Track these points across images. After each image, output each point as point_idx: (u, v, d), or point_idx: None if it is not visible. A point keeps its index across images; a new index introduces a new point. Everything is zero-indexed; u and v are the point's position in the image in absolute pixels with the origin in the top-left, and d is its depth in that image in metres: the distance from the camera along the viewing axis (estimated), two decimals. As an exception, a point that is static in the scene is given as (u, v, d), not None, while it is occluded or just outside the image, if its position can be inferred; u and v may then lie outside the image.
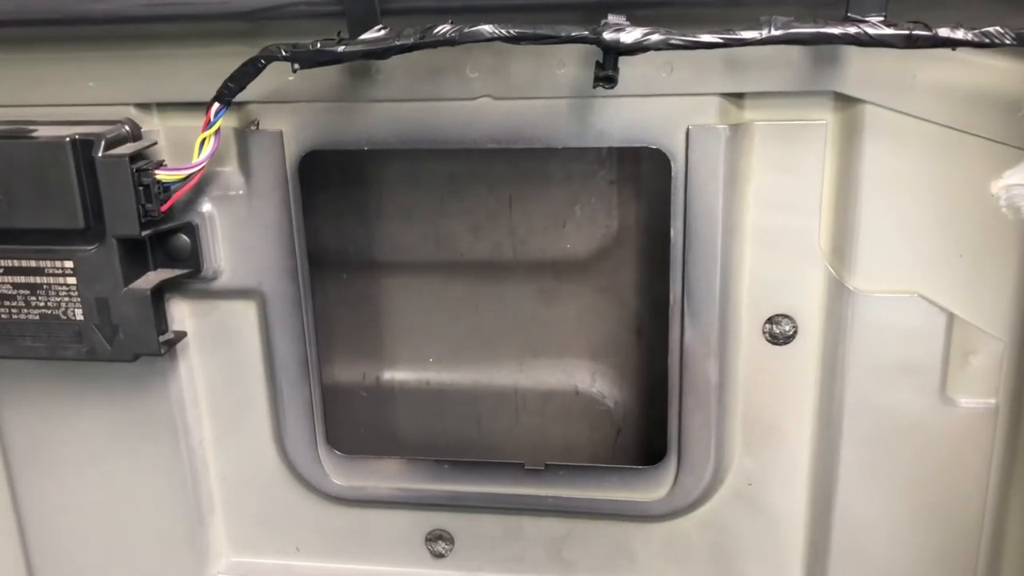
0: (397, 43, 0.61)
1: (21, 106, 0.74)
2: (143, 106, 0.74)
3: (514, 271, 0.83)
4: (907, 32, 0.57)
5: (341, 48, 0.62)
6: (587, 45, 0.60)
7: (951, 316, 0.69)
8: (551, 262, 0.81)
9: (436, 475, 0.82)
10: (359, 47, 0.62)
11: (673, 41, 0.58)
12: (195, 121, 0.70)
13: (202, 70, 0.70)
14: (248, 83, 0.66)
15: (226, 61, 0.66)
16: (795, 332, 0.73)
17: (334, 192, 0.71)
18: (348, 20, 0.62)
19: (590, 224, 0.81)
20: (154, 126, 0.74)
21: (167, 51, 0.72)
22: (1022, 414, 0.70)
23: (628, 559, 0.82)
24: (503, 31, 0.60)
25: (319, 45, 0.62)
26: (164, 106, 0.74)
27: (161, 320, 0.76)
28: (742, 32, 0.58)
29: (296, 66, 0.63)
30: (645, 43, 0.58)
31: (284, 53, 0.63)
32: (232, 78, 0.65)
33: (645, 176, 0.77)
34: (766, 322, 0.73)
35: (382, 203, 0.81)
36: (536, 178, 0.79)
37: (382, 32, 0.62)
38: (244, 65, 0.65)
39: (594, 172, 0.78)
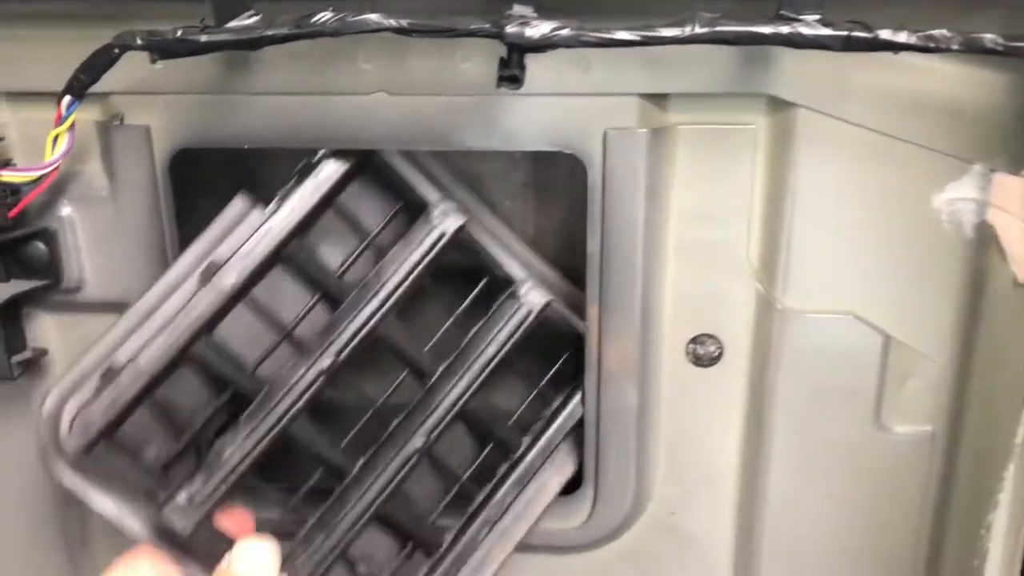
0: (269, 33, 0.53)
1: None
2: None
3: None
4: (845, 34, 0.51)
5: (204, 37, 0.54)
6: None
7: (887, 338, 0.64)
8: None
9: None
10: (225, 36, 0.54)
11: (585, 38, 0.51)
12: (51, 113, 0.61)
13: (59, 56, 0.61)
14: (102, 74, 0.57)
15: (86, 46, 0.57)
16: (720, 353, 0.67)
17: (213, 193, 0.64)
18: (213, 5, 0.54)
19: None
20: (4, 119, 0.66)
21: (19, 33, 0.63)
22: (960, 441, 0.65)
23: (543, 591, 0.76)
24: (392, 22, 0.52)
25: (180, 33, 0.54)
26: (15, 95, 0.65)
27: (16, 338, 0.68)
28: (663, 29, 0.51)
29: (155, 57, 0.55)
30: (553, 39, 0.51)
31: (140, 41, 0.54)
32: (83, 68, 0.57)
33: (562, 179, 0.70)
34: (690, 342, 0.68)
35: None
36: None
37: (253, 19, 0.54)
38: (96, 54, 0.56)
39: (505, 173, 0.71)
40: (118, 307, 0.68)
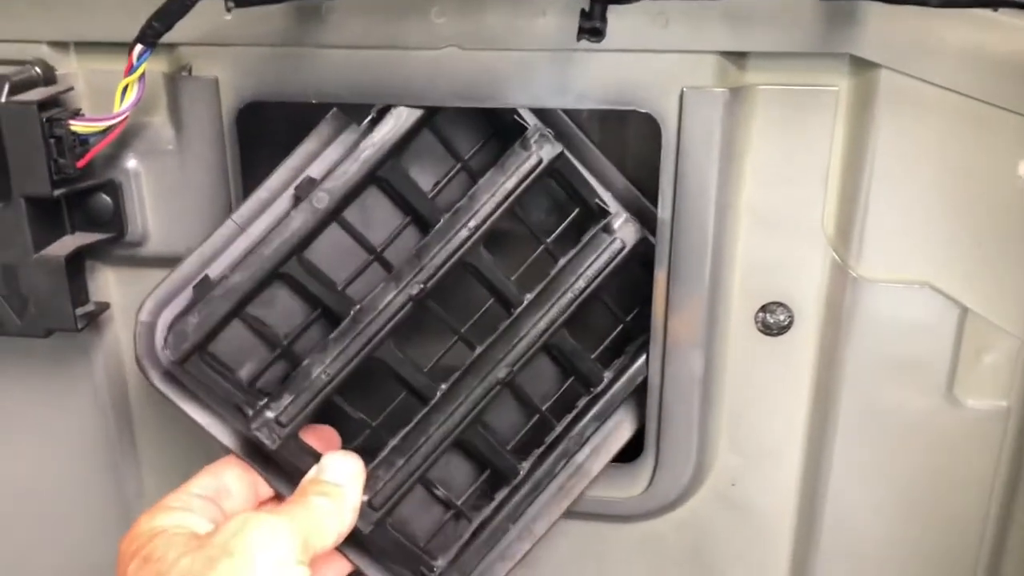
0: (349, -20, 0.52)
1: (-85, 40, 0.64)
2: (58, 44, 0.65)
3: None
4: (944, -13, 0.49)
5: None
6: (572, -10, 0.51)
7: (964, 310, 0.62)
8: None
9: None
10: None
11: (672, -12, 0.50)
12: (119, 64, 0.60)
13: (128, 5, 0.61)
14: (175, 22, 0.56)
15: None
16: (790, 322, 0.66)
17: (278, 147, 0.63)
18: (292, -48, 0.53)
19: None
20: (71, 68, 0.65)
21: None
22: (1035, 418, 0.64)
23: (596, 561, 0.75)
24: (473, -29, 0.51)
25: (253, -21, 0.53)
26: (83, 45, 0.65)
27: (79, 290, 0.67)
28: (752, -20, 0.50)
29: (231, 4, 0.54)
30: (639, -10, 0.50)
31: (216, -12, 0.54)
32: (157, 16, 0.56)
33: (633, 138, 0.69)
34: (759, 310, 0.66)
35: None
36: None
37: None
38: (170, 1, 0.55)
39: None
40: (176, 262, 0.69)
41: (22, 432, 0.76)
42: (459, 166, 0.66)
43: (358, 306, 0.63)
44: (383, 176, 0.63)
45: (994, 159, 0.59)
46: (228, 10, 0.55)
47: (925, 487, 0.67)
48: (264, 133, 0.66)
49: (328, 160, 0.62)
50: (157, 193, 0.67)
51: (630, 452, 0.71)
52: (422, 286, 0.63)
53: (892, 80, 0.58)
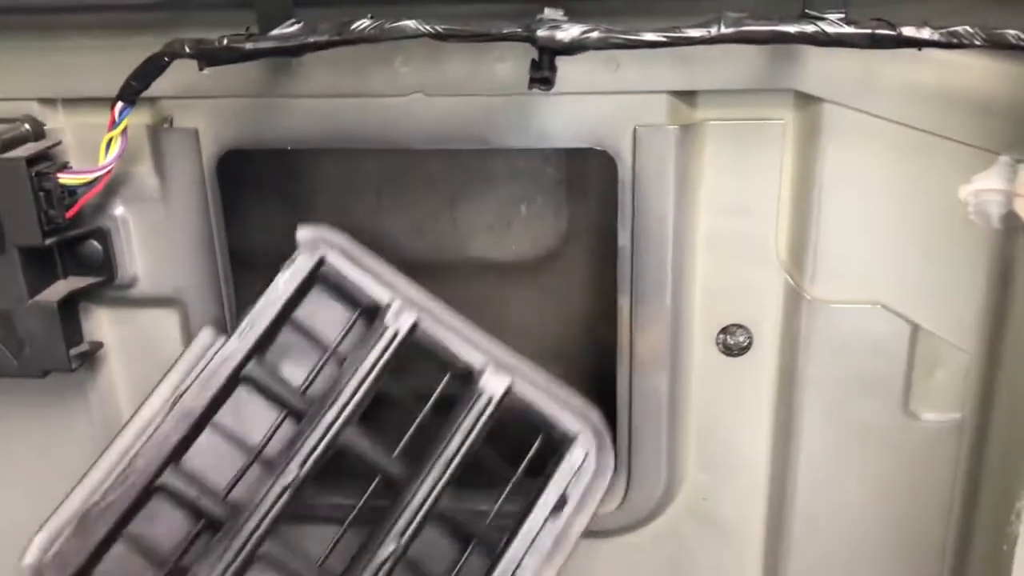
0: (311, 40, 0.55)
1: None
2: (47, 101, 0.68)
3: (458, 272, 0.78)
4: (869, 32, 0.52)
5: (249, 45, 0.56)
6: (525, 41, 0.54)
7: (915, 327, 0.65)
8: (496, 263, 0.76)
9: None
10: (269, 44, 0.56)
11: (614, 40, 0.53)
12: (104, 118, 0.64)
13: (112, 63, 0.64)
14: (153, 81, 0.60)
15: (138, 54, 0.60)
16: (750, 343, 0.69)
17: (261, 191, 0.66)
18: (258, 14, 0.57)
19: (537, 224, 0.76)
20: (59, 123, 0.69)
21: (73, 42, 0.66)
22: (988, 428, 0.66)
23: (581, 573, 0.78)
24: (428, 28, 0.54)
25: (226, 41, 0.56)
26: (70, 102, 0.68)
27: (73, 332, 0.71)
28: (689, 30, 0.53)
29: (203, 64, 0.58)
30: (583, 42, 0.53)
31: (188, 50, 0.57)
32: (135, 76, 0.60)
33: (594, 174, 0.72)
34: (720, 332, 0.69)
35: (315, 201, 0.76)
36: (479, 175, 0.74)
37: (295, 27, 0.56)
38: (147, 62, 0.59)
39: (540, 169, 0.73)
40: (169, 302, 0.72)
41: (21, 467, 0.79)
42: (327, 355, 0.68)
43: (238, 505, 0.64)
44: (251, 375, 0.65)
45: (936, 184, 0.61)
46: (201, 69, 0.58)
47: (888, 496, 0.70)
48: (248, 176, 0.69)
49: (199, 370, 0.64)
50: (144, 238, 0.70)
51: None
52: (296, 473, 0.64)
53: (835, 112, 0.61)
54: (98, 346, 0.73)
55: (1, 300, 0.67)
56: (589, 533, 0.75)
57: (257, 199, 0.66)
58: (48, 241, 0.65)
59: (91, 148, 0.67)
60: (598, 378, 0.74)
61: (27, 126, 0.67)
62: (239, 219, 0.68)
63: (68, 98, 0.68)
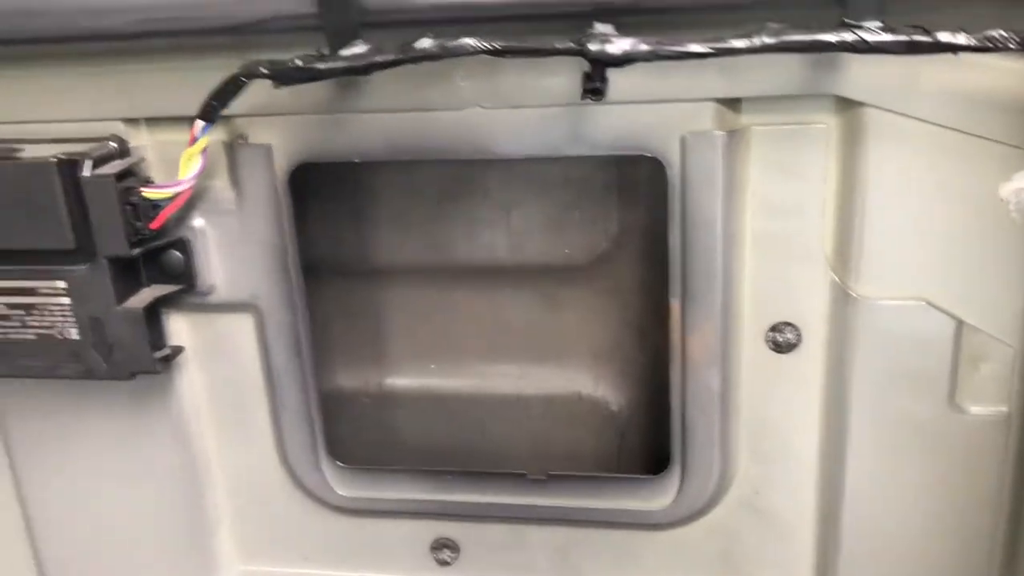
0: (378, 59, 0.59)
1: (9, 122, 0.73)
2: (131, 121, 0.73)
3: (514, 276, 0.82)
4: (907, 38, 0.55)
5: (321, 66, 0.60)
6: (577, 55, 0.58)
7: (960, 323, 0.67)
8: (551, 266, 0.79)
9: (439, 484, 0.81)
10: (339, 64, 0.60)
11: (662, 52, 0.56)
12: (184, 135, 0.69)
13: (190, 84, 0.69)
14: (231, 100, 0.64)
15: (214, 75, 0.65)
16: (799, 340, 0.71)
17: (328, 201, 0.70)
18: (327, 36, 0.61)
19: (590, 227, 0.80)
20: (142, 141, 0.73)
21: (154, 66, 0.71)
22: (1035, 421, 0.68)
23: (635, 566, 0.81)
24: (486, 44, 0.58)
25: (299, 63, 0.61)
26: (152, 120, 0.73)
27: (157, 336, 0.76)
28: (733, 41, 0.56)
29: (277, 84, 0.62)
30: (632, 55, 0.57)
31: (264, 71, 0.61)
32: (215, 95, 0.64)
33: (645, 179, 0.75)
34: (769, 330, 0.72)
35: (377, 210, 0.80)
36: (533, 182, 0.77)
37: (363, 48, 0.60)
38: (226, 83, 0.63)
39: (593, 175, 0.76)
40: (245, 307, 0.77)
41: (109, 463, 0.84)
42: None
43: None
44: None
45: (977, 183, 0.63)
46: (275, 88, 0.62)
47: (936, 488, 0.72)
48: (316, 187, 0.73)
49: None
50: (222, 248, 0.75)
51: (659, 465, 0.77)
52: None
53: (876, 116, 0.63)
54: (179, 350, 0.78)
55: (92, 307, 0.72)
56: (644, 526, 0.78)
57: (326, 209, 0.70)
58: (135, 251, 0.70)
59: (172, 164, 0.72)
60: (651, 376, 0.77)
61: (113, 144, 0.72)
62: (309, 228, 0.72)
63: (150, 117, 0.73)
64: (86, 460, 0.84)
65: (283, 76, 0.61)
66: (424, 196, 0.82)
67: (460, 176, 0.80)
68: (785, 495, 0.76)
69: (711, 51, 0.56)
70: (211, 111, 0.65)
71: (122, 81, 0.71)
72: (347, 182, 0.74)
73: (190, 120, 0.67)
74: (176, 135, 0.72)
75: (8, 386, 0.81)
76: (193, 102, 0.66)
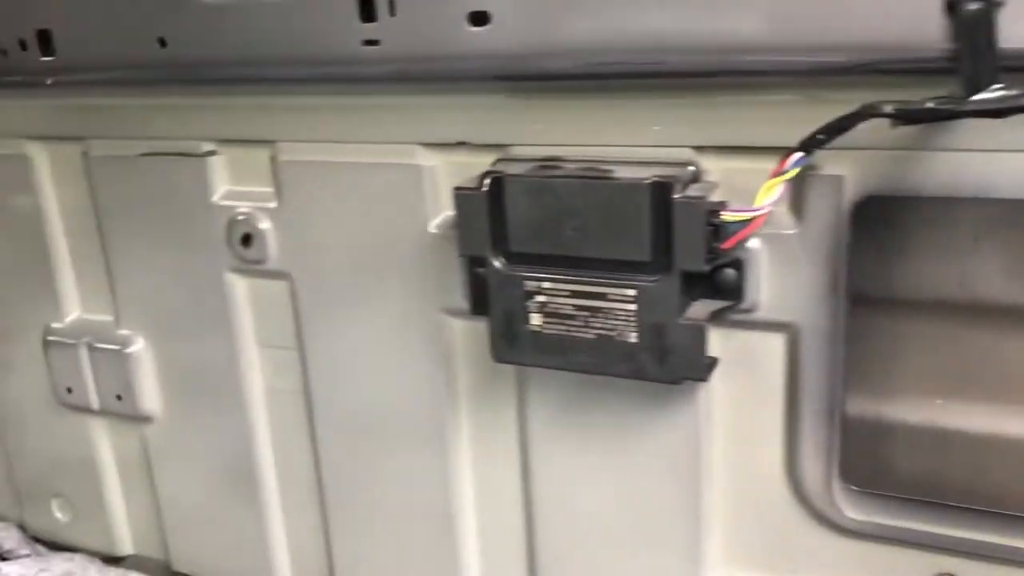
0: (1020, 104, 0.61)
1: (593, 145, 0.82)
2: (700, 148, 0.79)
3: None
4: None
5: (955, 107, 0.63)
6: None
7: None
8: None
9: (943, 518, 0.82)
10: (971, 107, 0.62)
11: None
12: (749, 163, 0.75)
13: (762, 117, 0.75)
14: (839, 136, 0.68)
15: (785, 109, 0.70)
16: None
17: (881, 231, 0.73)
18: (963, 78, 0.63)
19: None
20: (711, 167, 0.80)
21: (729, 98, 0.77)
22: None
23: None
24: None
25: (931, 104, 0.63)
26: (722, 149, 0.79)
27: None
28: None
29: (897, 123, 0.65)
30: None
31: (890, 110, 0.65)
32: (823, 129, 0.68)
33: None
34: None
35: (917, 245, 0.81)
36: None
37: (1000, 92, 0.62)
38: (841, 119, 0.67)
39: None
40: (782, 327, 0.81)
41: (616, 459, 0.91)
42: None
43: None
44: None
45: None
46: (893, 127, 0.66)
47: None
48: (876, 221, 0.76)
49: None
50: (773, 269, 0.79)
51: None
52: None
53: None
54: (715, 361, 0.84)
55: (657, 315, 0.79)
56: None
57: (879, 239, 0.73)
58: (706, 267, 0.76)
59: (732, 189, 0.78)
60: None
61: (692, 168, 0.78)
62: (862, 259, 0.75)
63: (721, 146, 0.79)
64: (596, 450, 0.92)
65: (911, 116, 0.64)
66: (960, 232, 0.82)
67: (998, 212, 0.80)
68: None
69: None
70: (814, 143, 0.69)
71: (697, 112, 0.78)
72: (901, 214, 0.76)
73: (757, 150, 0.72)
74: (742, 163, 0.78)
75: (542, 379, 0.90)
76: (763, 134, 0.71)
